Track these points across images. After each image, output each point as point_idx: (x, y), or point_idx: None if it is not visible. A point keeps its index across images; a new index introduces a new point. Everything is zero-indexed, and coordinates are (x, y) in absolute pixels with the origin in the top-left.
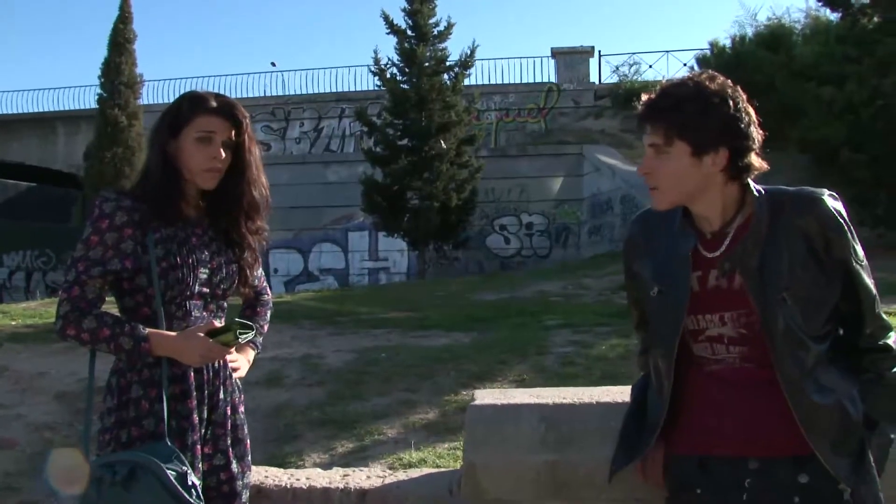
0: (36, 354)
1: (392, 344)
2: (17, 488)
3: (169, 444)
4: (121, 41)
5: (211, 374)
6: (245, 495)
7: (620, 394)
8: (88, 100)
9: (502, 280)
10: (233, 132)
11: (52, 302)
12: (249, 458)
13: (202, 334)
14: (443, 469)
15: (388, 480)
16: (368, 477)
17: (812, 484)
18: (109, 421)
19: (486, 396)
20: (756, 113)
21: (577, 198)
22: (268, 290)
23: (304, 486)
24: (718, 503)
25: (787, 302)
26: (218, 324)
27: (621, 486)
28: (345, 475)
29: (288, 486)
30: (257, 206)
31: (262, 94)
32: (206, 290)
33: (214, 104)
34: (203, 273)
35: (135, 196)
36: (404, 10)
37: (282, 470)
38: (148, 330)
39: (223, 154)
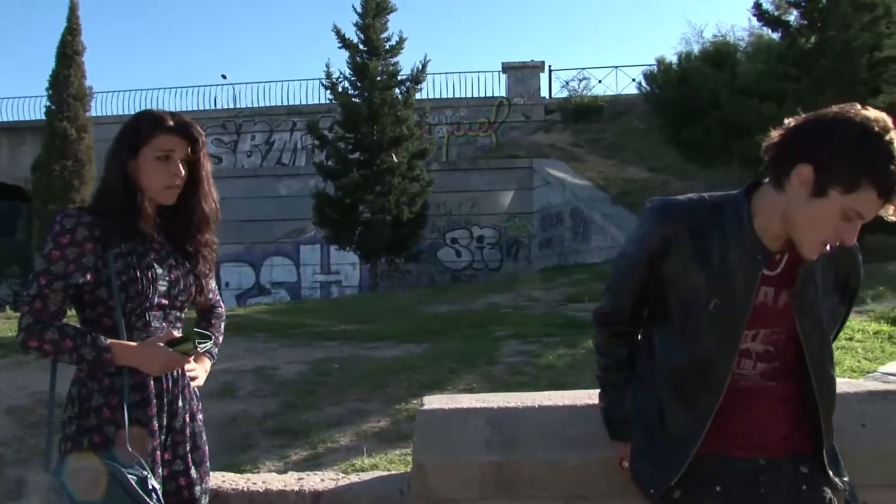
0: None
1: (345, 355)
2: None
3: (130, 449)
4: (69, 53)
5: (170, 382)
6: (204, 500)
7: (562, 398)
8: (33, 111)
9: (454, 293)
10: (189, 149)
11: None
12: (208, 464)
13: (162, 344)
14: (394, 472)
15: (341, 483)
16: (322, 480)
17: (811, 474)
18: (71, 429)
19: (434, 402)
20: (701, 129)
21: (527, 211)
22: (221, 303)
23: (260, 490)
24: (740, 499)
25: (824, 323)
26: (177, 334)
27: (563, 484)
28: (300, 479)
29: (245, 489)
30: (208, 220)
31: (212, 107)
32: (164, 301)
33: (172, 123)
34: (162, 285)
35: (94, 212)
36: (356, 24)
37: (238, 475)
38: (109, 340)
39: (183, 171)
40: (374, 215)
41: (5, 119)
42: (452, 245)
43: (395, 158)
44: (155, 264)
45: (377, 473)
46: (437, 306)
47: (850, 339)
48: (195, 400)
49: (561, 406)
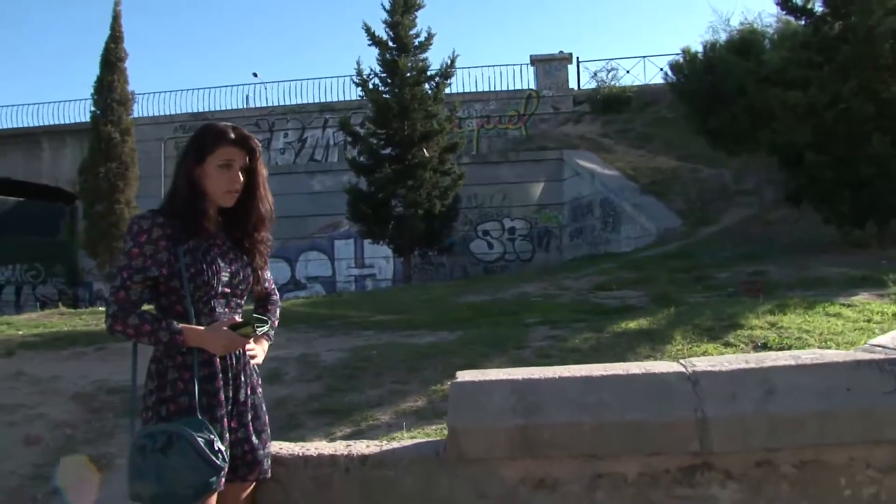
0: (47, 360)
1: (382, 343)
2: (46, 477)
3: (200, 417)
4: (113, 60)
5: (233, 360)
6: (266, 463)
7: (579, 370)
8: (73, 114)
9: (485, 283)
10: (247, 158)
11: (51, 313)
12: (268, 431)
13: (225, 328)
14: (431, 439)
15: (385, 448)
16: (368, 446)
17: None
18: (150, 400)
19: (466, 375)
20: (728, 117)
21: (557, 202)
22: (276, 291)
23: (313, 454)
24: None
25: None
26: (238, 318)
27: (579, 444)
28: (348, 445)
29: (300, 454)
30: (264, 220)
31: (245, 106)
32: (227, 290)
33: (233, 136)
34: (225, 276)
35: (166, 214)
36: (385, 22)
37: (293, 443)
38: (181, 324)
39: (241, 178)
40: (407, 209)
41: (47, 123)
42: (484, 237)
43: (426, 153)
44: (218, 258)
45: (417, 440)
46: (469, 296)
47: (869, 320)
48: (255, 376)
49: (578, 377)
